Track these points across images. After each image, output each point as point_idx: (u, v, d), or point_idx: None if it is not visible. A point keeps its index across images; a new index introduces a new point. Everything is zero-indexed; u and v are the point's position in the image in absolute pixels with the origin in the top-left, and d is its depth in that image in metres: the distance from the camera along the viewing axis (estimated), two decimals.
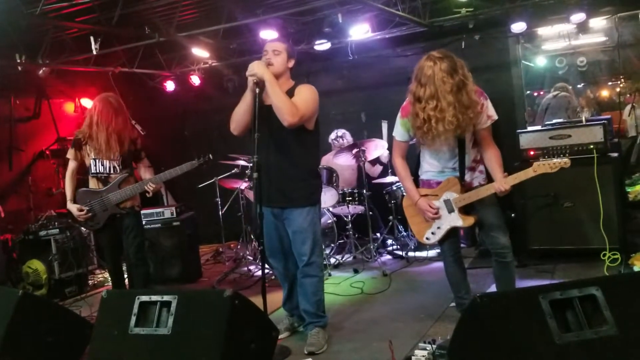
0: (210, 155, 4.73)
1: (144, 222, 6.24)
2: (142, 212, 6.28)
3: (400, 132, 3.81)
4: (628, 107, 7.22)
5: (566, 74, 7.56)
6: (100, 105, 4.61)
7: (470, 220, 3.73)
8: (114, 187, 4.60)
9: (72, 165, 4.70)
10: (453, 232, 3.89)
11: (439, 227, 3.84)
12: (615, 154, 5.21)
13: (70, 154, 4.69)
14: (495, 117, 3.65)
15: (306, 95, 3.79)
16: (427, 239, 3.93)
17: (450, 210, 3.75)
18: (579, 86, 7.82)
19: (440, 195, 3.78)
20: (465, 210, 3.74)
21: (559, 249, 5.31)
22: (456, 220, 3.76)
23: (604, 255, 4.92)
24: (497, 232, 3.74)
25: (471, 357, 2.50)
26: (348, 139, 6.99)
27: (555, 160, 3.47)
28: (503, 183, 3.51)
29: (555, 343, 2.22)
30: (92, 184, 4.69)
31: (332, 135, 7.02)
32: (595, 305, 2.29)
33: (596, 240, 5.00)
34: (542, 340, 2.23)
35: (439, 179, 3.81)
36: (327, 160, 6.76)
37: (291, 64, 3.92)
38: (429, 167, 3.85)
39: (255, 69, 3.67)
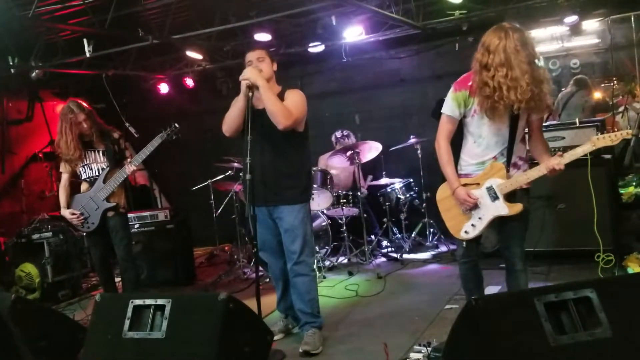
0: (176, 125, 4.79)
1: (137, 225, 6.28)
2: (136, 215, 6.34)
3: (450, 107, 3.44)
4: (621, 109, 7.24)
5: (559, 76, 7.56)
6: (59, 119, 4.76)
7: (517, 208, 3.36)
8: (99, 184, 4.70)
9: (64, 177, 4.88)
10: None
11: (480, 218, 3.44)
12: (609, 156, 5.23)
13: (62, 167, 4.88)
14: (554, 108, 3.50)
15: (296, 99, 3.94)
16: (465, 232, 3.49)
17: (494, 198, 3.39)
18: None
19: (482, 183, 3.43)
20: (509, 198, 3.40)
21: (553, 250, 5.33)
22: (501, 208, 3.37)
23: (598, 256, 4.92)
24: (515, 241, 3.53)
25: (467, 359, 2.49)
26: (352, 139, 7.00)
27: (617, 132, 3.25)
28: (556, 161, 3.25)
29: (550, 345, 2.22)
30: (84, 188, 4.83)
31: (338, 134, 7.03)
32: (590, 308, 2.29)
33: (590, 242, 4.97)
34: (537, 343, 2.23)
35: (479, 172, 3.48)
36: (322, 162, 6.76)
37: (275, 67, 4.06)
38: (469, 159, 3.53)
39: (249, 74, 3.80)
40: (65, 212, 4.77)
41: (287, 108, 3.82)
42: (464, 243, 3.53)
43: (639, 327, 2.25)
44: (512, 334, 2.30)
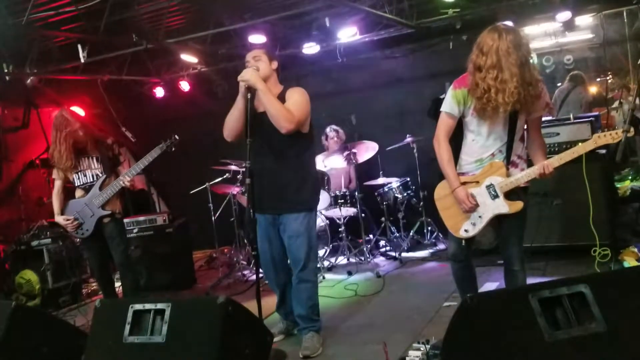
0: (176, 136, 4.80)
1: (136, 230, 6.30)
2: (135, 219, 6.35)
3: (450, 104, 3.44)
4: (616, 104, 7.27)
5: (553, 72, 7.60)
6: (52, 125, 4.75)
7: (518, 205, 3.36)
8: (95, 191, 4.71)
9: (57, 183, 4.86)
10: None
11: (480, 217, 3.44)
12: (604, 151, 5.25)
13: (54, 174, 4.86)
14: (552, 106, 3.49)
15: (298, 99, 3.81)
16: (465, 231, 3.49)
17: (495, 197, 3.40)
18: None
19: (481, 181, 3.43)
20: (508, 196, 3.40)
21: (549, 246, 5.34)
22: (501, 206, 3.38)
23: (594, 251, 4.95)
24: (512, 240, 3.54)
25: (464, 357, 2.52)
26: (342, 135, 7.09)
27: (617, 129, 3.28)
28: (547, 164, 3.30)
29: (545, 341, 2.25)
30: (78, 194, 4.83)
31: (329, 132, 7.08)
32: (584, 303, 2.32)
33: (586, 237, 5.00)
34: (532, 338, 2.26)
35: (476, 172, 3.49)
36: (318, 163, 6.79)
37: (275, 65, 3.93)
38: (468, 157, 3.52)
39: (247, 75, 3.70)
40: (60, 218, 4.77)
41: (289, 110, 3.69)
42: (463, 241, 3.54)
43: (632, 321, 2.28)
44: (507, 330, 2.33)
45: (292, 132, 3.72)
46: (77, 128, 4.63)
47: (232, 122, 3.86)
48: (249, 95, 3.70)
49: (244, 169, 6.01)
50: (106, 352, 2.95)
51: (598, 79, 7.86)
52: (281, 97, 3.81)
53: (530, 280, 4.67)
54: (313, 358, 3.86)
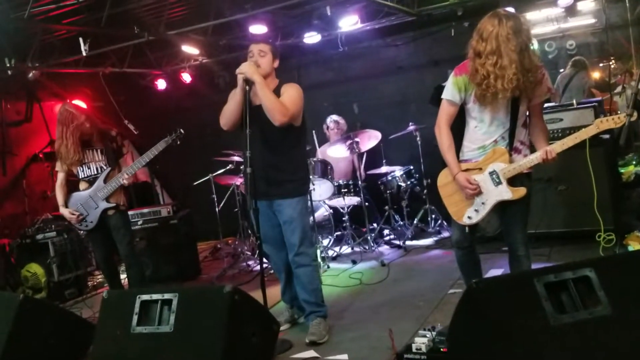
0: (182, 130, 4.83)
1: (141, 222, 6.31)
2: (139, 211, 6.38)
3: (451, 92, 3.45)
4: (619, 88, 7.24)
5: (556, 57, 7.56)
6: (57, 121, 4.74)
7: (521, 192, 3.38)
8: (99, 183, 4.72)
9: (60, 176, 4.86)
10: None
11: (483, 203, 3.45)
12: (607, 136, 5.24)
13: (58, 166, 4.86)
14: (554, 90, 3.47)
15: (293, 94, 3.94)
16: (468, 217, 3.50)
17: (498, 183, 3.41)
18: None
19: (484, 168, 3.44)
20: (512, 182, 3.41)
21: (554, 232, 5.35)
22: (505, 193, 3.39)
23: (599, 236, 4.95)
24: (516, 226, 3.53)
25: (469, 342, 2.53)
26: (343, 124, 7.07)
27: (620, 114, 3.28)
28: (550, 149, 3.30)
29: (550, 324, 2.26)
30: (82, 186, 4.84)
31: (330, 123, 7.06)
32: (589, 286, 2.33)
33: (591, 222, 5.00)
34: (538, 322, 2.27)
35: (479, 158, 3.49)
36: (321, 152, 6.79)
37: (276, 64, 4.05)
38: (471, 144, 3.53)
39: (245, 68, 3.81)
40: (64, 211, 4.78)
41: (283, 104, 3.82)
42: (466, 228, 3.55)
43: (637, 304, 2.29)
44: (513, 314, 2.34)
45: (286, 125, 3.84)
46: (84, 120, 4.64)
47: (229, 112, 3.98)
48: (247, 88, 3.81)
49: (242, 159, 6.02)
50: (114, 342, 2.98)
51: (601, 64, 7.82)
52: (276, 92, 3.93)
53: (535, 267, 4.68)
54: (319, 344, 3.88)
